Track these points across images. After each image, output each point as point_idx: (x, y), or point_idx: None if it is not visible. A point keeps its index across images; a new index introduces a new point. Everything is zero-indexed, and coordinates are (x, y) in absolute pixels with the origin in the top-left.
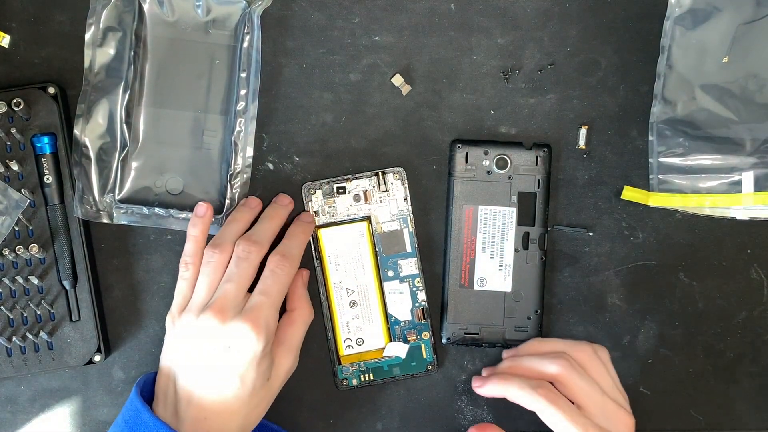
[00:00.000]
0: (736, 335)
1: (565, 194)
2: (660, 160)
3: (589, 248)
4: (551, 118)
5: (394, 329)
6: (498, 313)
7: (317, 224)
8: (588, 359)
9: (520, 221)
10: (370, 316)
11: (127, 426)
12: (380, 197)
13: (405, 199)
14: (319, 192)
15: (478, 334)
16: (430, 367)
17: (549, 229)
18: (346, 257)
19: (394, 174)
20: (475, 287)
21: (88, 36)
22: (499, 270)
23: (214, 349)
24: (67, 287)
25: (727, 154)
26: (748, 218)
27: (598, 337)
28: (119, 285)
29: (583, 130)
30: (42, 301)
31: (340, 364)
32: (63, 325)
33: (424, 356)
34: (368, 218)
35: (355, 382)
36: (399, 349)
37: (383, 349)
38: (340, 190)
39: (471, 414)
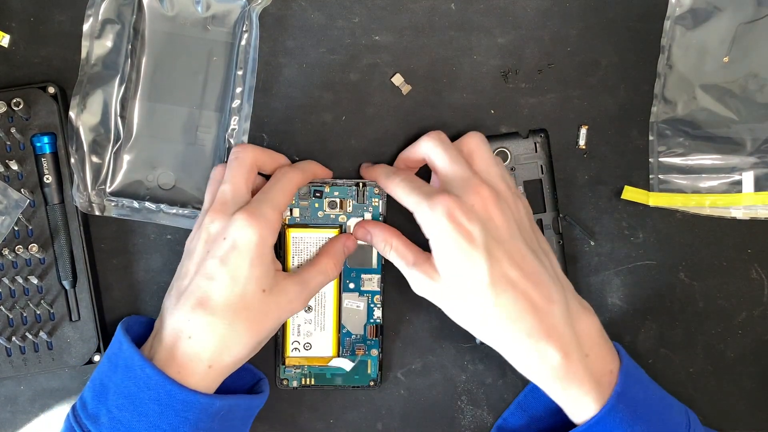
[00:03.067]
0: (736, 335)
1: (565, 194)
2: (660, 160)
3: (589, 248)
4: (551, 118)
5: (344, 340)
6: None
7: (287, 223)
8: (460, 140)
9: (531, 209)
10: (323, 324)
11: (108, 360)
12: (354, 210)
13: (382, 214)
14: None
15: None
16: (372, 383)
17: (562, 215)
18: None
19: (374, 188)
20: None
21: (86, 27)
22: None
23: (209, 250)
24: (67, 287)
25: (727, 154)
26: (748, 218)
27: None
28: (119, 285)
29: (583, 130)
30: (42, 301)
31: (283, 364)
32: (63, 325)
33: (369, 371)
34: (340, 227)
35: (295, 383)
36: (344, 364)
37: (329, 358)
38: (317, 194)
39: (471, 414)
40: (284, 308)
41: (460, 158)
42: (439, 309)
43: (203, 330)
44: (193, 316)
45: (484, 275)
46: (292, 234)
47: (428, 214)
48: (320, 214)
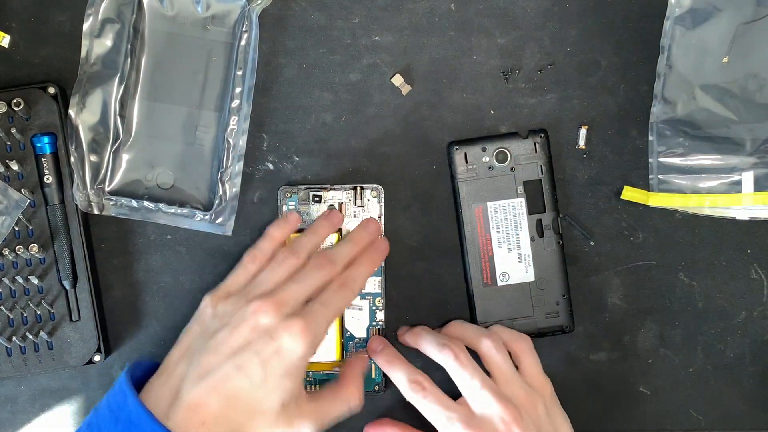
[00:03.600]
0: (736, 335)
1: (565, 194)
2: (660, 160)
3: (589, 248)
4: (551, 118)
5: (347, 345)
6: (526, 305)
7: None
8: (512, 338)
9: (531, 210)
10: None
11: (111, 410)
12: (355, 211)
13: (379, 217)
14: (294, 197)
15: (510, 329)
16: (377, 388)
17: (561, 215)
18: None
19: (371, 191)
20: (499, 283)
21: (86, 26)
22: (519, 262)
23: (252, 342)
24: (67, 287)
25: (727, 154)
26: (748, 218)
27: (598, 337)
28: (119, 285)
29: (583, 130)
30: (42, 301)
31: None
32: (63, 325)
33: (373, 376)
34: (340, 231)
35: None
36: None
37: (334, 363)
38: (316, 198)
39: None
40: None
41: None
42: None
43: (216, 420)
44: (213, 402)
45: None
46: (294, 240)
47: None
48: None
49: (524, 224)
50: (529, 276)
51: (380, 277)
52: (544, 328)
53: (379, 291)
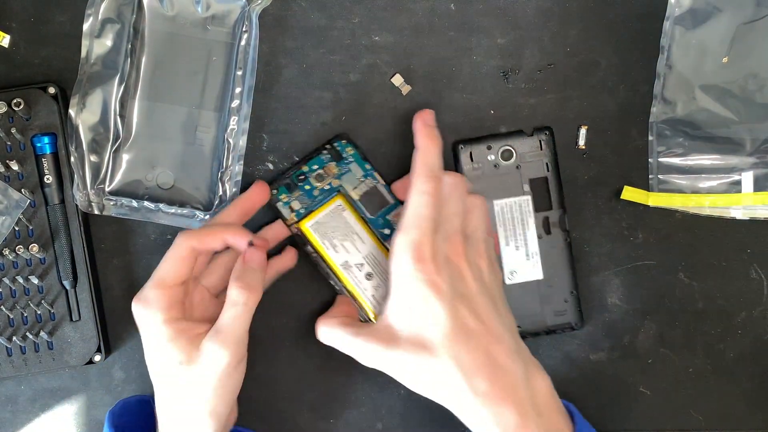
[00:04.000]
0: (736, 335)
1: (566, 194)
2: (660, 160)
3: (589, 248)
4: (551, 118)
5: None
6: (535, 303)
7: (297, 220)
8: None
9: (537, 207)
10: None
11: None
12: (340, 169)
13: (364, 158)
14: (283, 190)
15: (520, 327)
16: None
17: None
18: (339, 236)
19: (342, 141)
20: (507, 282)
21: (86, 26)
22: (526, 260)
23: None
24: (67, 287)
25: (727, 154)
26: (748, 218)
27: (598, 337)
28: (119, 285)
29: (583, 130)
30: (42, 301)
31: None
32: (63, 325)
33: None
34: (338, 190)
35: None
36: None
37: None
38: (300, 178)
39: None
40: (207, 371)
41: (455, 199)
42: None
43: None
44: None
45: (444, 325)
46: (308, 225)
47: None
48: (315, 192)
49: (531, 222)
50: (537, 274)
51: (401, 206)
52: (552, 326)
53: None
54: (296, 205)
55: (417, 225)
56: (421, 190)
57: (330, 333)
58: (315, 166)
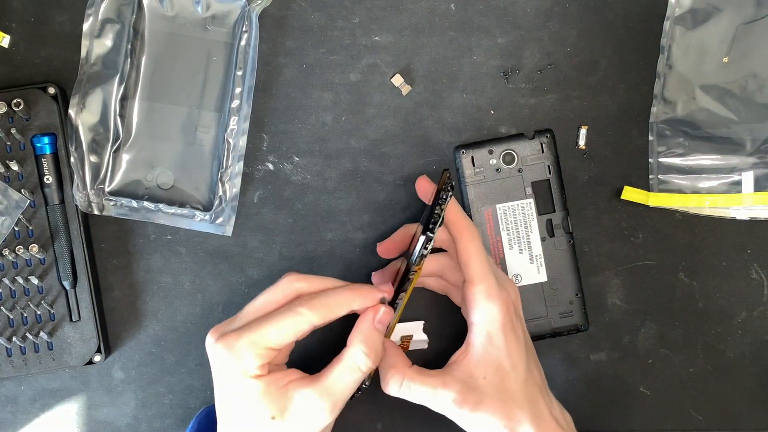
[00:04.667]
0: (736, 335)
1: (566, 194)
2: (660, 160)
3: (589, 248)
4: (551, 118)
5: None
6: (540, 305)
7: (416, 269)
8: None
9: (540, 210)
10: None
11: None
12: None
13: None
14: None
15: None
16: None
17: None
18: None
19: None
20: None
21: (86, 27)
22: (530, 263)
23: None
24: (67, 287)
25: (727, 154)
26: (748, 218)
27: (598, 337)
28: (119, 285)
29: (583, 130)
30: (42, 301)
31: None
32: (63, 325)
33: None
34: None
35: None
36: (417, 331)
37: (408, 337)
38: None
39: None
40: (304, 429)
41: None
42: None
43: None
44: None
45: (523, 377)
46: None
47: (489, 297)
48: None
49: (534, 225)
50: (541, 276)
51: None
52: (558, 328)
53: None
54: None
55: (491, 271)
56: (476, 236)
57: (406, 388)
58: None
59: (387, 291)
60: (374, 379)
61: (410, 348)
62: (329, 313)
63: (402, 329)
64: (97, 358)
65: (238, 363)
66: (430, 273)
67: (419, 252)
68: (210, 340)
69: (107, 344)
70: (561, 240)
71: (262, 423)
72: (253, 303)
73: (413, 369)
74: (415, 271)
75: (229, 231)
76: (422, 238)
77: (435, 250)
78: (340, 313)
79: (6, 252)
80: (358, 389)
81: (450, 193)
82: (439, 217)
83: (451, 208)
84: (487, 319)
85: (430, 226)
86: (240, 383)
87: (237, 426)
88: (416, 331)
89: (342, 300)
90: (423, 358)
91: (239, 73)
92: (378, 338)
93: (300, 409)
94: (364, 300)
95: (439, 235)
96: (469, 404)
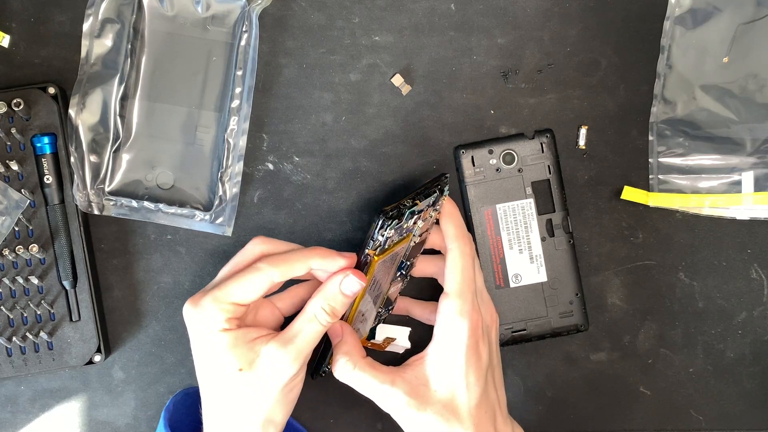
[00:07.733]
0: (736, 335)
1: (566, 194)
2: (660, 160)
3: (589, 248)
4: (551, 118)
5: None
6: (540, 305)
7: (375, 252)
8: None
9: (540, 210)
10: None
11: None
12: (431, 214)
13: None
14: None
15: (525, 330)
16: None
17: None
18: (380, 275)
19: (447, 185)
20: (512, 285)
21: (86, 26)
22: (530, 263)
23: None
24: (67, 287)
25: (727, 154)
26: (748, 218)
27: (598, 337)
28: (119, 285)
29: (583, 130)
30: (42, 301)
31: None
32: (63, 325)
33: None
34: (410, 232)
35: None
36: (402, 337)
37: (390, 340)
38: (411, 214)
39: None
40: (270, 380)
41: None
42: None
43: None
44: None
45: (476, 395)
46: (379, 262)
47: (460, 315)
48: (403, 229)
49: (534, 225)
50: (541, 276)
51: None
52: (558, 328)
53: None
54: (390, 234)
55: (470, 290)
56: (466, 252)
57: (354, 375)
58: (425, 206)
59: (348, 257)
60: None
61: (386, 349)
62: (288, 270)
63: (388, 330)
64: (97, 358)
65: (205, 318)
66: (426, 275)
67: (374, 234)
68: (185, 306)
69: (107, 344)
70: (561, 240)
71: (231, 375)
72: (223, 268)
73: (366, 360)
74: (369, 254)
75: (229, 231)
76: (379, 222)
77: (435, 252)
78: (299, 270)
79: (6, 252)
80: (321, 371)
81: (437, 194)
82: (407, 209)
83: (450, 218)
84: (452, 336)
85: (390, 211)
86: (208, 337)
87: (209, 379)
88: (401, 337)
89: (301, 257)
90: (393, 361)
91: (239, 73)
92: (339, 298)
93: (265, 361)
94: (323, 261)
95: (436, 239)
96: (413, 408)
